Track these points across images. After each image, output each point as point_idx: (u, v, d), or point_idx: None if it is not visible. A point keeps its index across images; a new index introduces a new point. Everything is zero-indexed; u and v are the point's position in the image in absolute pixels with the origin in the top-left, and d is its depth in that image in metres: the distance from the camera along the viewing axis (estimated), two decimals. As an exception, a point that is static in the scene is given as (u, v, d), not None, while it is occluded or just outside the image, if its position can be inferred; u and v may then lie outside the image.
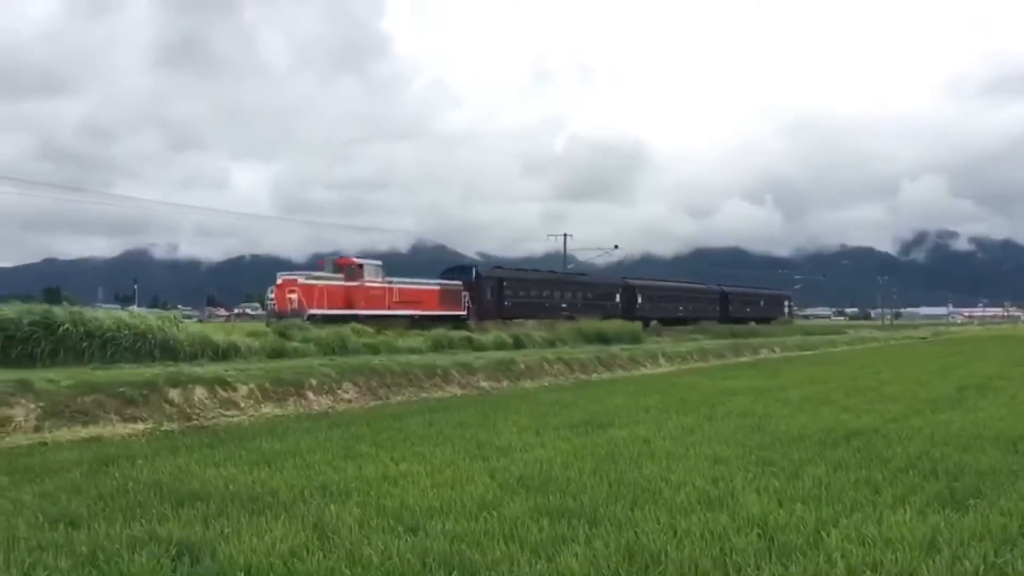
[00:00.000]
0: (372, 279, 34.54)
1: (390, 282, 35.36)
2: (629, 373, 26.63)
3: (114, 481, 8.09)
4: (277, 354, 20.75)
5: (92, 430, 12.17)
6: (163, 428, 12.84)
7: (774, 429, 11.81)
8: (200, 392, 14.83)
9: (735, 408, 14.63)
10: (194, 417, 13.98)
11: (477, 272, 44.80)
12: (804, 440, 10.73)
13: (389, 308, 34.39)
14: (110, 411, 13.17)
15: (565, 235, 71.46)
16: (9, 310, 16.29)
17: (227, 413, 14.56)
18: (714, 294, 67.34)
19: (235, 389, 15.44)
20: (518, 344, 29.37)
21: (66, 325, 16.46)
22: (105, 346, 16.99)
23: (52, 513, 6.82)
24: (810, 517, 6.55)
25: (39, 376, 13.57)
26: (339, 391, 17.30)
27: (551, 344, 31.01)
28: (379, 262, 35.53)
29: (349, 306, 32.45)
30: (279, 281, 32.03)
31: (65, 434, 11.80)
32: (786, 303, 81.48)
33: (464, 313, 38.59)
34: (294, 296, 30.57)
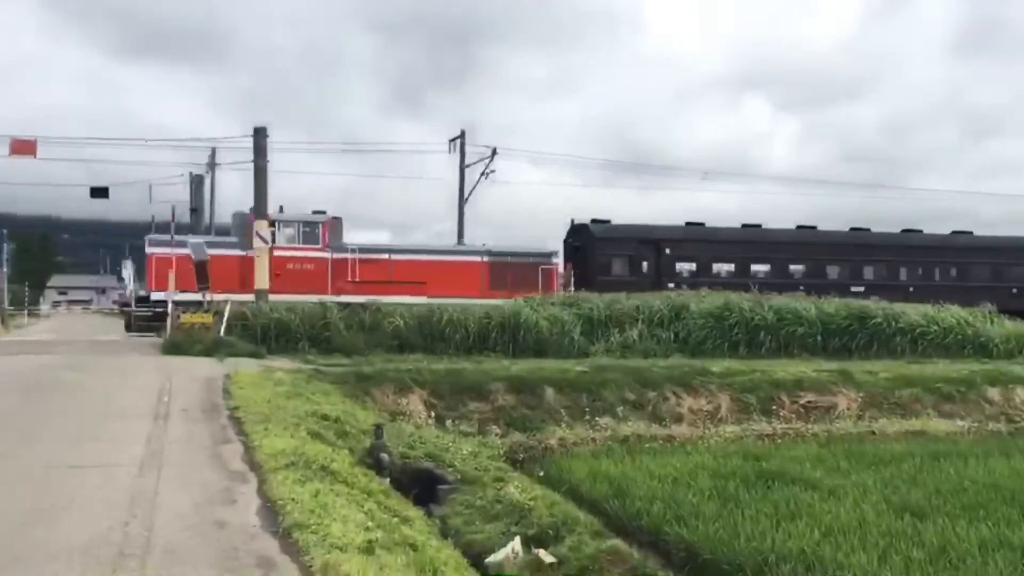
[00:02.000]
0: (290, 244, 21.11)
1: (335, 248, 21.51)
2: None
3: (949, 477, 8.09)
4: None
5: (912, 423, 12.39)
6: (988, 428, 12.41)
7: None
8: (1021, 393, 13.91)
9: None
10: (1017, 419, 13.18)
11: (589, 231, 25.39)
12: None
13: (337, 292, 20.30)
14: (927, 406, 13.25)
15: None
16: (827, 305, 17.61)
17: (1054, 418, 13.34)
18: None
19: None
20: None
21: (878, 319, 17.10)
22: (916, 341, 17.17)
23: (894, 502, 7.12)
24: None
25: (856, 367, 14.39)
26: None
27: None
28: (320, 216, 21.68)
29: (248, 285, 19.22)
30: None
31: (887, 424, 12.24)
32: None
33: None
34: (127, 273, 19.83)
